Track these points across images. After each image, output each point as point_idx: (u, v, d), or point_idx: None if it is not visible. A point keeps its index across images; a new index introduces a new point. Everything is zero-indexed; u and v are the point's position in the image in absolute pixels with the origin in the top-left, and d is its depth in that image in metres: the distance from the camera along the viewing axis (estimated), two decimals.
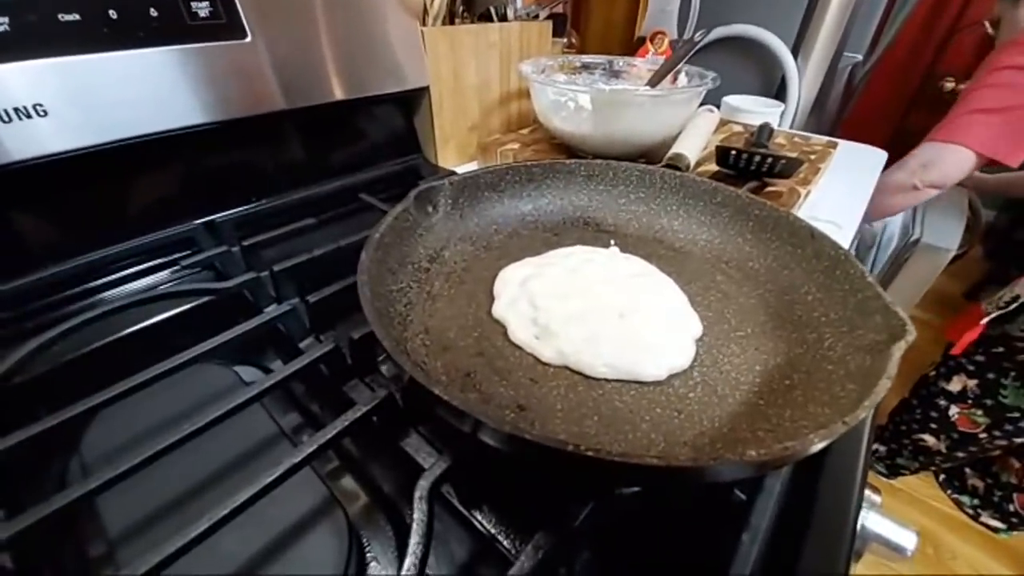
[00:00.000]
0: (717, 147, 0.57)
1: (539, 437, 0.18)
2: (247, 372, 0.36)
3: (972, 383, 1.07)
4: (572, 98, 0.58)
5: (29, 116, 0.36)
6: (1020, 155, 0.85)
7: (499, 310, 0.34)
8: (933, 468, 1.29)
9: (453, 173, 0.62)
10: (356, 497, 0.29)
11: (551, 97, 0.60)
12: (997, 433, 1.06)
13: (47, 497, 0.22)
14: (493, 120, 0.74)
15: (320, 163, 0.59)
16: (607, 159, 0.46)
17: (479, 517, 0.26)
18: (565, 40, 0.94)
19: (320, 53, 0.50)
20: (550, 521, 0.22)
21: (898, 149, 1.37)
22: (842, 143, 0.76)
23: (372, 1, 0.52)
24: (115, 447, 0.29)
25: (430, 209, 0.39)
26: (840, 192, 0.66)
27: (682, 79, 0.68)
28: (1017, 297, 0.97)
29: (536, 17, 0.74)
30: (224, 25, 0.42)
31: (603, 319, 0.32)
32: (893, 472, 1.33)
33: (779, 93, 0.97)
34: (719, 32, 0.94)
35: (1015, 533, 1.19)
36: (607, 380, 0.29)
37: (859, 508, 0.26)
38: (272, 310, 0.35)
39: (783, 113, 0.92)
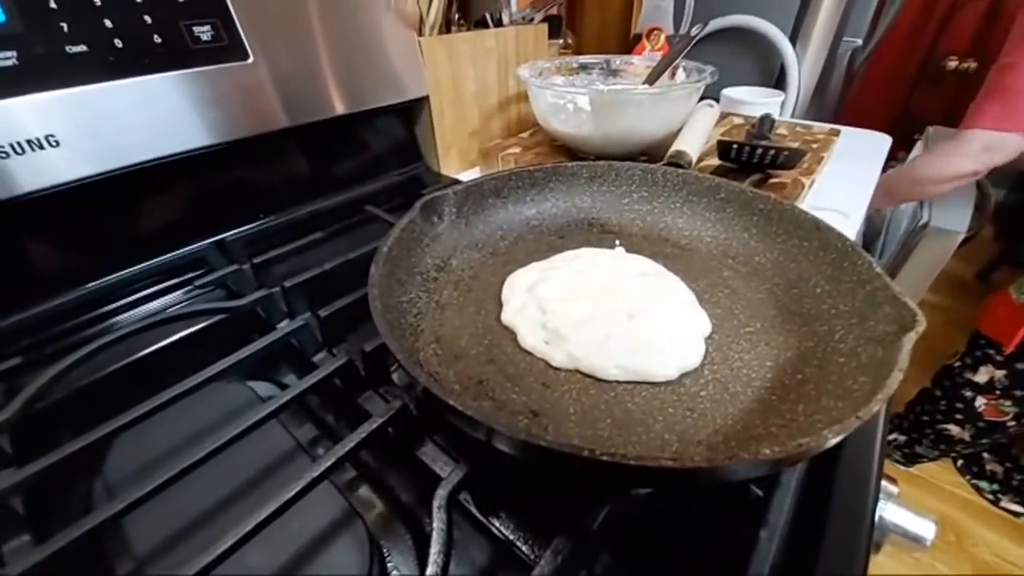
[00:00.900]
0: (718, 141, 0.57)
1: (553, 443, 0.19)
2: (262, 388, 0.37)
3: (1000, 373, 1.04)
4: (571, 100, 0.58)
5: (42, 147, 0.37)
6: None
7: (508, 316, 0.34)
8: (953, 455, 1.28)
9: (456, 180, 0.62)
10: (375, 507, 0.29)
11: (550, 100, 0.61)
12: None
13: (74, 521, 0.22)
14: (493, 125, 0.74)
15: (325, 177, 0.60)
16: (608, 159, 0.46)
17: (497, 523, 0.26)
18: (561, 41, 0.94)
19: (320, 70, 0.50)
20: (568, 525, 0.22)
21: (903, 130, 1.36)
22: (844, 130, 0.76)
23: (368, 15, 0.53)
24: (138, 468, 0.30)
25: (435, 219, 0.39)
26: (845, 180, 0.65)
27: (680, 75, 0.68)
28: None
29: (531, 20, 0.74)
30: (226, 47, 0.43)
31: (612, 321, 0.32)
32: (911, 460, 1.32)
33: (779, 82, 0.96)
34: (716, 24, 0.94)
35: None
36: (619, 382, 0.30)
37: (876, 500, 0.26)
38: (285, 326, 0.35)
39: (783, 102, 0.91)
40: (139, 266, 0.44)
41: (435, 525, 0.21)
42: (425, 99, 0.62)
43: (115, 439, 0.29)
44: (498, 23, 0.69)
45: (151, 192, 0.46)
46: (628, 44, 1.06)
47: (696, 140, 0.58)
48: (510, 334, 0.33)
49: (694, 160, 0.57)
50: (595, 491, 0.24)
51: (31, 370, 0.36)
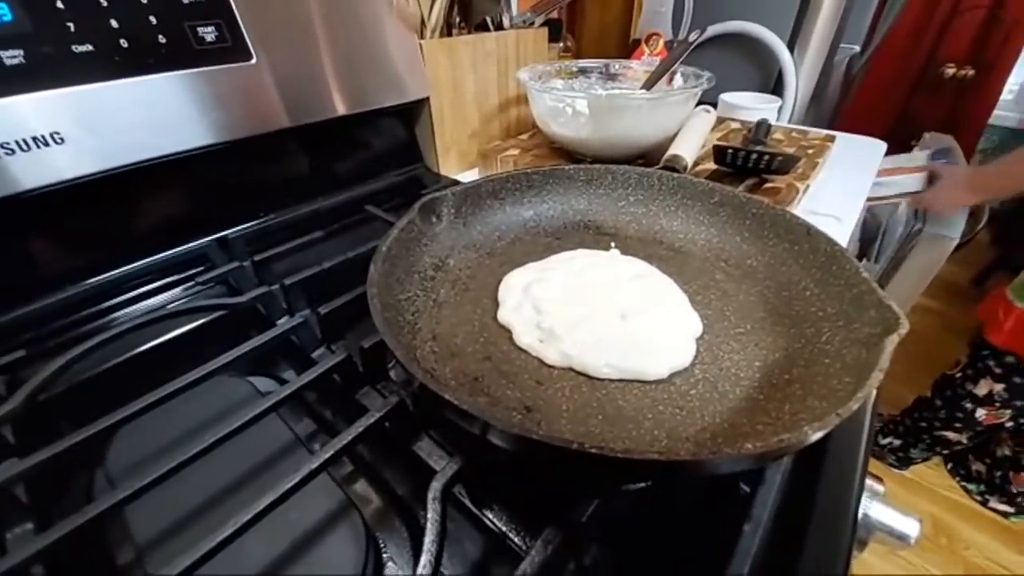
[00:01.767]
0: (714, 146, 0.58)
1: (545, 436, 0.19)
2: (262, 383, 0.37)
3: (999, 387, 1.04)
4: (569, 104, 0.59)
5: (47, 144, 0.37)
6: None
7: (504, 315, 0.35)
8: (946, 453, 1.29)
9: (455, 181, 0.63)
10: (371, 500, 0.30)
11: (549, 103, 0.62)
12: (1022, 421, 1.06)
13: (76, 510, 0.23)
14: (493, 127, 0.75)
15: (325, 177, 0.60)
16: (606, 162, 0.47)
17: (490, 516, 0.26)
18: (561, 45, 0.95)
19: (322, 71, 0.51)
20: (558, 517, 0.23)
21: (901, 136, 1.37)
22: (840, 136, 0.77)
23: (371, 17, 0.53)
24: (140, 459, 0.30)
25: (434, 219, 0.40)
26: (839, 185, 0.66)
27: (678, 80, 0.69)
28: None
29: (532, 24, 0.75)
30: (230, 48, 0.44)
31: (605, 321, 0.33)
32: (905, 464, 1.33)
33: (776, 88, 0.97)
34: (714, 30, 0.94)
35: None
36: (611, 380, 0.30)
37: (860, 497, 0.27)
38: (285, 322, 0.36)
39: (781, 108, 0.92)
40: (142, 262, 0.45)
41: (429, 516, 0.22)
42: (426, 101, 0.63)
43: (117, 431, 0.30)
44: (498, 26, 0.70)
45: (154, 190, 0.47)
46: (627, 48, 1.07)
47: (692, 144, 0.59)
48: (506, 332, 0.34)
49: (689, 164, 0.58)
50: (586, 485, 0.25)
51: (34, 363, 0.36)
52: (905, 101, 2.01)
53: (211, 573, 0.21)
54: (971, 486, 1.27)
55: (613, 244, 0.43)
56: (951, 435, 1.18)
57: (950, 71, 1.92)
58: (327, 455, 0.25)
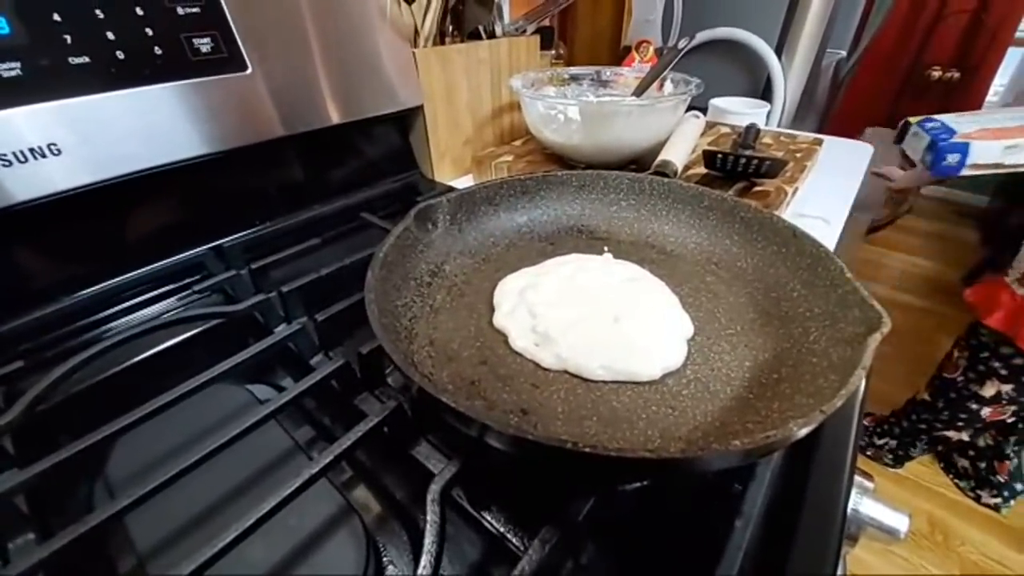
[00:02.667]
0: (704, 151, 0.59)
1: (541, 437, 0.20)
2: (260, 391, 0.37)
3: (1007, 388, 1.04)
4: (562, 111, 0.60)
5: (44, 155, 0.37)
6: None
7: (500, 320, 0.35)
8: (940, 448, 1.30)
9: (450, 188, 0.64)
10: (371, 504, 0.30)
11: (541, 110, 0.62)
12: None
13: (76, 519, 0.23)
14: (486, 134, 0.76)
15: (321, 185, 0.61)
16: (598, 168, 0.48)
17: (488, 518, 0.27)
18: (553, 52, 0.96)
19: (316, 80, 0.52)
20: (555, 517, 0.23)
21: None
22: (827, 140, 0.78)
23: (365, 27, 0.54)
24: (140, 468, 0.31)
25: (430, 226, 0.41)
26: (827, 188, 0.67)
27: (668, 86, 0.70)
28: None
29: (524, 32, 0.76)
30: (225, 59, 0.44)
31: (599, 324, 0.34)
32: (900, 462, 1.34)
33: (765, 92, 0.99)
34: (703, 36, 0.96)
35: (1013, 503, 1.21)
36: (605, 382, 0.31)
37: (849, 492, 0.27)
38: (282, 330, 0.36)
39: (769, 112, 0.94)
40: (139, 271, 0.45)
41: (428, 517, 0.22)
42: (420, 108, 0.64)
43: (116, 441, 0.30)
44: (491, 35, 0.71)
45: (151, 199, 0.47)
46: (618, 55, 1.08)
47: (682, 150, 0.60)
48: (501, 337, 0.35)
49: (680, 169, 0.59)
50: (582, 485, 0.25)
51: (33, 374, 0.36)
52: (892, 104, 2.05)
53: None
54: (963, 483, 1.28)
55: (606, 248, 0.44)
56: (952, 434, 1.20)
57: (936, 74, 1.96)
58: (326, 461, 0.25)
